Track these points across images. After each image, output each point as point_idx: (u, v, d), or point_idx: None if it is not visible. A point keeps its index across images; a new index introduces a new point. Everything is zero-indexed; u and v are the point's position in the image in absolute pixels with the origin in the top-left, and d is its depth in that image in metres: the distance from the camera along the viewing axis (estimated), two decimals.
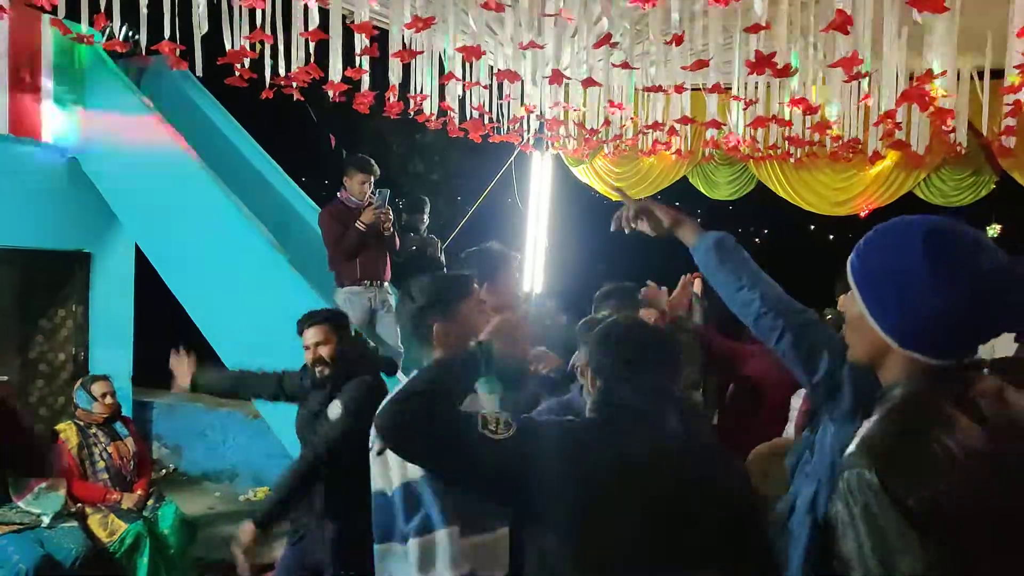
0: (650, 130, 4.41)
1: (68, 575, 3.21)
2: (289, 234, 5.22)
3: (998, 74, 4.00)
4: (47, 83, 4.78)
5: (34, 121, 4.74)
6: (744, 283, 1.62)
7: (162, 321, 6.99)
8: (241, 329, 4.59)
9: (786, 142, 4.87)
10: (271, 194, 5.70)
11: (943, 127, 4.34)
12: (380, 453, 1.70)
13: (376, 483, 1.73)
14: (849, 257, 1.16)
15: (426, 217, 5.54)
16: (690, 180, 6.87)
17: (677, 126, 3.97)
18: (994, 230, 10.14)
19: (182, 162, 4.84)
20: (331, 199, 4.66)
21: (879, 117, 3.89)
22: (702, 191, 6.90)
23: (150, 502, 3.73)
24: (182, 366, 3.24)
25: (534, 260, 7.24)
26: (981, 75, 4.81)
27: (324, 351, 2.79)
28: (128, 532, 3.50)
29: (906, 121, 4.35)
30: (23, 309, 5.34)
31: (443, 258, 5.51)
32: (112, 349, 5.61)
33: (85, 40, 3.68)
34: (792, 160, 6.10)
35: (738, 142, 4.60)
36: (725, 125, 4.15)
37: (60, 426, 3.72)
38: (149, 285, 5.90)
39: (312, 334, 2.81)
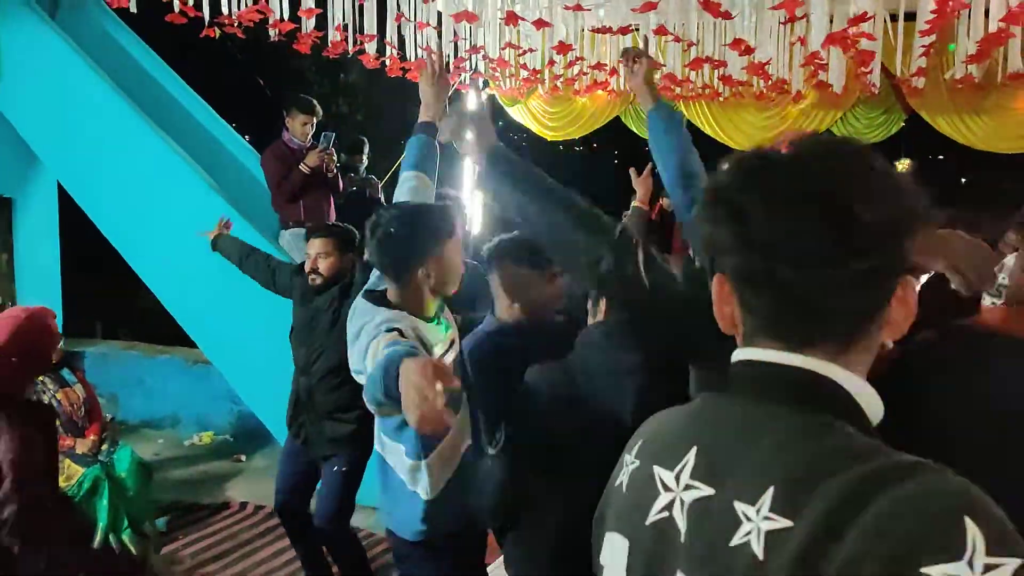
0: (592, 70, 4.51)
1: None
2: (222, 173, 5.11)
3: (910, 16, 4.25)
4: None
5: None
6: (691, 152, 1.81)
7: (90, 267, 6.77)
8: (177, 267, 4.55)
9: (720, 82, 5.05)
10: (201, 133, 5.53)
11: (861, 69, 4.60)
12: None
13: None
14: None
15: (365, 158, 5.53)
16: (622, 120, 7.03)
17: (619, 67, 4.07)
18: (903, 165, 10.76)
19: (107, 98, 4.65)
20: (270, 141, 4.60)
21: (805, 58, 4.10)
22: (634, 130, 7.08)
23: (104, 447, 3.72)
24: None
25: (471, 201, 7.30)
26: (895, 18, 5.09)
27: (323, 264, 2.95)
28: (85, 476, 3.49)
29: (827, 62, 4.58)
30: None
31: (381, 196, 5.53)
32: (40, 298, 5.41)
33: None
34: (720, 100, 6.32)
35: (674, 82, 4.75)
36: (664, 65, 4.29)
37: None
38: (74, 230, 5.70)
39: (317, 244, 2.96)
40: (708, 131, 6.80)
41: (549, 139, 7.40)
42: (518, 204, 1.36)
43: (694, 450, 0.74)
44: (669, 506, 0.73)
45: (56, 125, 4.82)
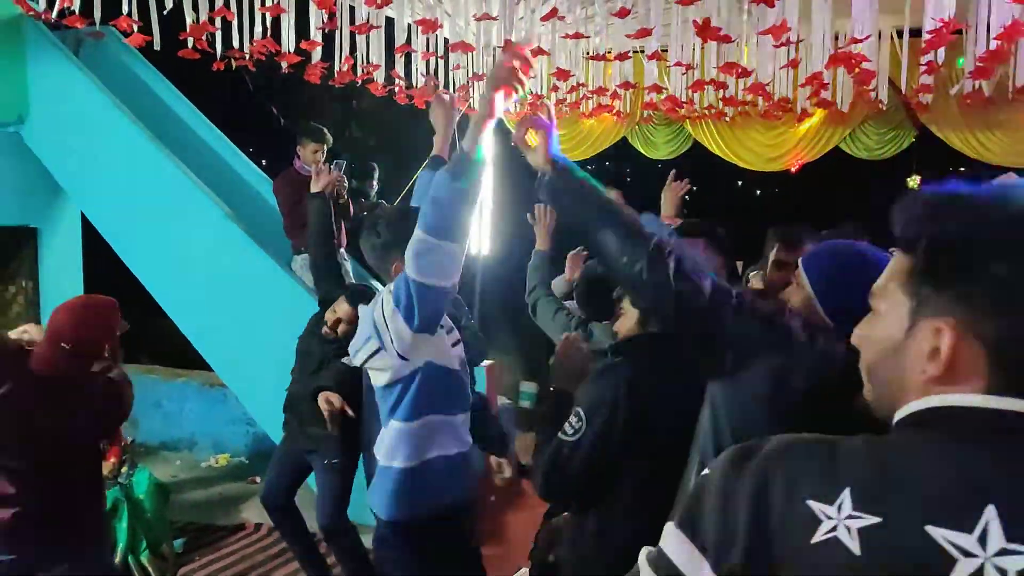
0: (594, 95, 4.59)
1: None
2: (239, 201, 5.25)
3: (916, 33, 4.28)
4: None
5: None
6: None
7: (112, 294, 6.93)
8: (197, 296, 4.67)
9: (721, 103, 5.12)
10: (219, 164, 5.68)
11: (864, 87, 4.64)
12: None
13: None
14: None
15: (375, 183, 5.64)
16: (629, 140, 7.10)
17: (620, 90, 4.15)
18: (914, 181, 10.69)
19: (127, 131, 4.81)
20: (284, 168, 4.72)
21: (807, 78, 4.15)
22: (641, 151, 7.15)
23: (124, 469, 3.82)
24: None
25: (480, 222, 7.39)
26: (900, 34, 5.13)
27: (341, 329, 3.11)
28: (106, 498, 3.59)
29: (832, 81, 4.63)
30: None
31: None
32: None
33: (26, 10, 3.63)
34: (726, 119, 6.38)
35: (677, 103, 4.83)
36: (665, 88, 4.37)
37: None
38: (97, 259, 5.86)
39: (345, 309, 3.10)
40: (716, 151, 6.86)
41: None
42: (575, 214, 1.47)
43: (991, 509, 0.64)
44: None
45: (80, 158, 5.00)
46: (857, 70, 3.92)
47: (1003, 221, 0.71)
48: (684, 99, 4.91)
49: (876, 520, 0.67)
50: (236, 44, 3.44)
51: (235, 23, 3.32)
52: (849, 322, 1.36)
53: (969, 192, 0.74)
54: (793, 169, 6.85)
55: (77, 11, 3.05)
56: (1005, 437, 0.69)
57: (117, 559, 3.51)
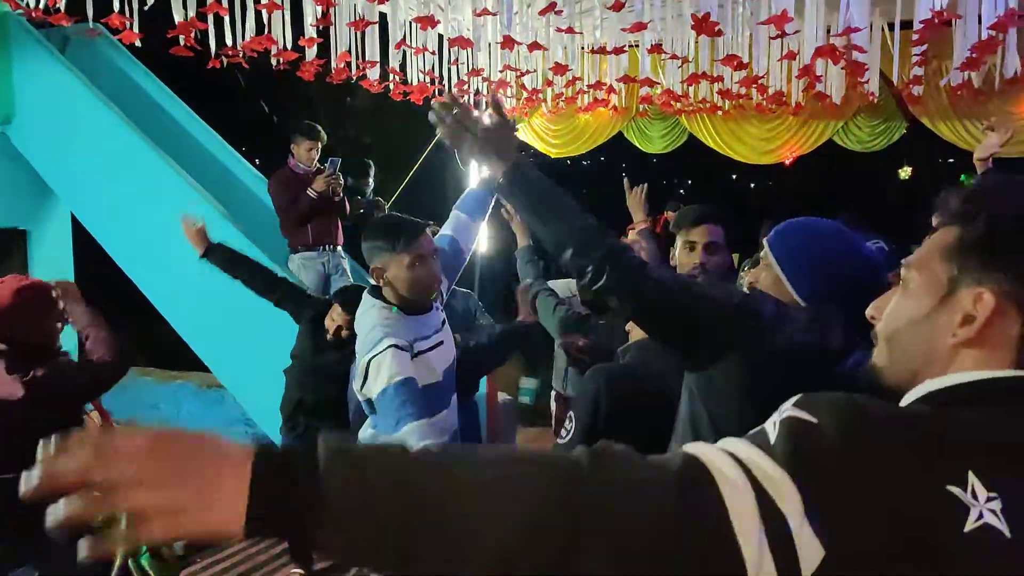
0: (591, 89, 4.58)
1: None
2: (234, 200, 5.21)
3: (907, 25, 4.29)
4: None
5: None
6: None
7: (103, 295, 6.87)
8: (191, 296, 4.63)
9: (717, 96, 5.11)
10: (213, 163, 5.64)
11: (857, 79, 4.65)
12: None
13: None
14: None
15: (371, 180, 5.62)
16: (625, 135, 7.10)
17: (616, 84, 4.14)
18: (906, 172, 10.75)
19: (117, 130, 4.76)
20: (279, 167, 4.69)
21: (799, 71, 4.15)
22: (637, 145, 7.14)
23: None
24: (195, 233, 3.35)
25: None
26: (892, 27, 5.13)
27: (345, 333, 3.14)
28: None
29: (825, 74, 4.63)
30: None
31: None
32: None
33: (12, 7, 3.57)
34: (720, 113, 6.38)
35: (673, 97, 4.82)
36: (660, 83, 4.35)
37: None
38: (88, 261, 5.80)
39: (341, 314, 3.15)
40: (711, 144, 6.86)
41: (553, 156, 7.49)
42: (533, 215, 1.43)
43: None
44: None
45: (68, 158, 4.94)
46: (843, 62, 3.93)
47: None
48: (680, 92, 4.91)
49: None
50: (229, 41, 3.40)
51: (227, 19, 3.28)
52: (823, 299, 1.39)
53: None
54: (787, 162, 6.86)
55: (63, 8, 3.00)
56: None
57: (117, 562, 3.48)
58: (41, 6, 3.11)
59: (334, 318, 3.23)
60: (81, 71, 4.95)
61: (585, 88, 4.75)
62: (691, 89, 5.04)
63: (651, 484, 0.66)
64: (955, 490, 0.65)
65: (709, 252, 2.20)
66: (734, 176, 15.66)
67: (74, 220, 5.50)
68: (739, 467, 0.66)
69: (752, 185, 16.35)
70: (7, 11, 4.59)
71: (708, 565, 0.62)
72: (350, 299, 3.14)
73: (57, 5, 3.10)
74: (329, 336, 3.25)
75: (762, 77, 4.14)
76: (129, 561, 3.52)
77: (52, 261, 5.58)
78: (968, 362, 0.76)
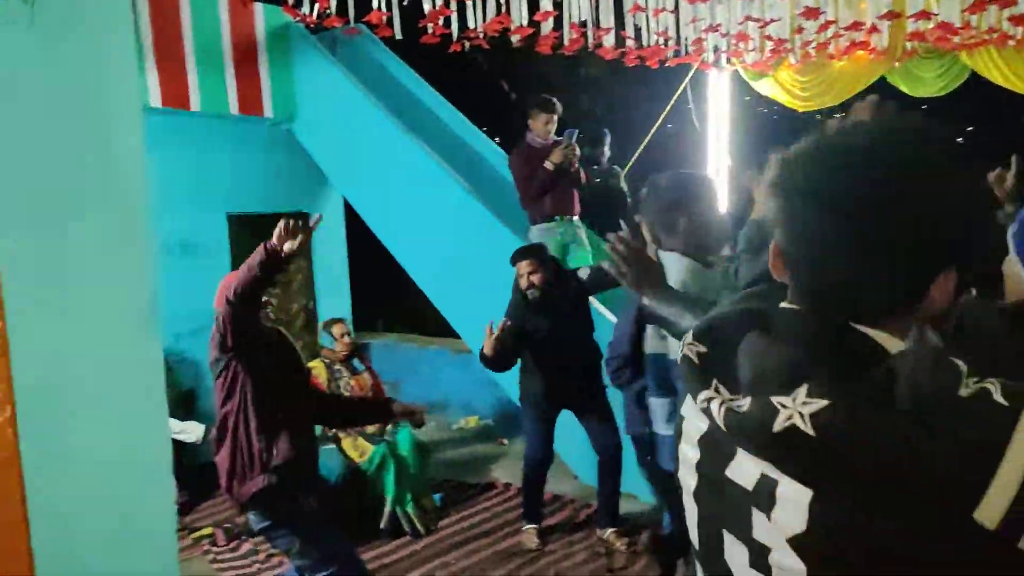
0: (847, 31, 4.11)
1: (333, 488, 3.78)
2: (479, 178, 5.51)
3: None
4: (263, 63, 5.32)
5: (257, 99, 5.31)
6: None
7: (372, 270, 7.70)
8: (443, 269, 5.03)
9: (1007, 23, 4.33)
10: (460, 143, 6.01)
11: None
12: None
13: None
14: None
15: (607, 149, 5.59)
16: (888, 80, 6.31)
17: (879, 23, 3.67)
18: None
19: (379, 121, 5.24)
20: (517, 143, 4.85)
21: None
22: (904, 90, 6.31)
23: (388, 427, 4.21)
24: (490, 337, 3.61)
25: (717, 182, 7.05)
26: None
27: (535, 278, 3.51)
28: (376, 453, 3.99)
29: None
30: None
31: (625, 187, 5.55)
32: (333, 298, 6.28)
33: (294, 17, 4.03)
34: (1013, 43, 5.39)
35: (951, 31, 4.15)
36: (936, 14, 3.78)
37: (311, 364, 4.20)
38: (359, 240, 6.50)
39: (525, 265, 3.55)
40: (999, 80, 5.85)
41: (801, 110, 6.88)
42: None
43: None
44: None
45: (340, 149, 5.55)
46: None
47: None
48: (959, 24, 4.23)
49: None
50: (471, 24, 3.56)
51: (469, 3, 3.42)
52: None
53: None
54: None
55: (334, 11, 3.32)
56: None
57: (386, 508, 3.89)
58: (314, 13, 3.49)
59: (522, 274, 3.51)
60: (349, 68, 5.50)
61: (841, 31, 4.27)
62: (974, 19, 4.32)
63: None
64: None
65: None
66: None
67: (346, 204, 6.19)
68: None
69: None
70: (288, 21, 5.22)
71: None
72: (530, 250, 3.58)
73: (328, 10, 3.44)
74: (530, 295, 3.50)
75: None
76: (397, 508, 3.92)
77: (329, 240, 6.31)
78: None
